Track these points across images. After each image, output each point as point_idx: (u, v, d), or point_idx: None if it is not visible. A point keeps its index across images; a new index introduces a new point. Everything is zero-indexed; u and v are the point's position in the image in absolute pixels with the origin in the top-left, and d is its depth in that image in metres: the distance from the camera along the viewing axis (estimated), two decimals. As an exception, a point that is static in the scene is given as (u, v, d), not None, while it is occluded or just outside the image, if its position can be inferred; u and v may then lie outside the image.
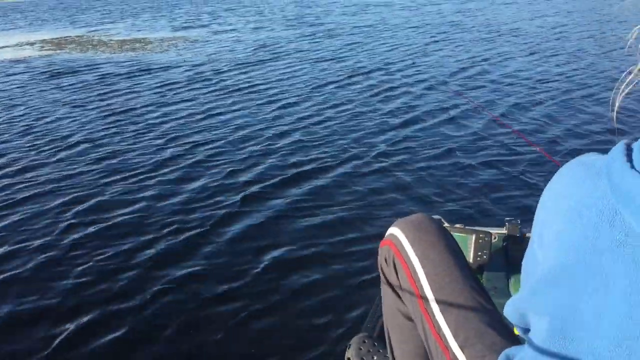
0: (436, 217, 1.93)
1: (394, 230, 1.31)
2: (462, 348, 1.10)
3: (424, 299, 1.19)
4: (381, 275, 1.36)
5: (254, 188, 4.23)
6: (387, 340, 1.42)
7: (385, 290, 1.36)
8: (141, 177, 4.58)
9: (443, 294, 1.17)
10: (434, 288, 1.18)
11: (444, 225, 2.06)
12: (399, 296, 1.30)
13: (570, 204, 0.71)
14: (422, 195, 3.94)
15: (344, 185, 4.21)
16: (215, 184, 4.36)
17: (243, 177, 4.46)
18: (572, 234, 0.70)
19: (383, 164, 4.57)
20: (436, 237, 1.26)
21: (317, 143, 5.22)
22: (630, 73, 0.73)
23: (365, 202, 3.89)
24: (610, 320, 0.65)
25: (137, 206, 4.01)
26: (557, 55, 9.00)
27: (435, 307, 1.16)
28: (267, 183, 4.30)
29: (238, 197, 4.06)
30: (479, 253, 2.03)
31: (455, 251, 1.25)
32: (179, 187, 4.33)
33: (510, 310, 0.86)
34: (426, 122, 5.69)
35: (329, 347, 2.48)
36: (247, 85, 7.94)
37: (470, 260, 2.00)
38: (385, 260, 1.32)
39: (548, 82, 7.22)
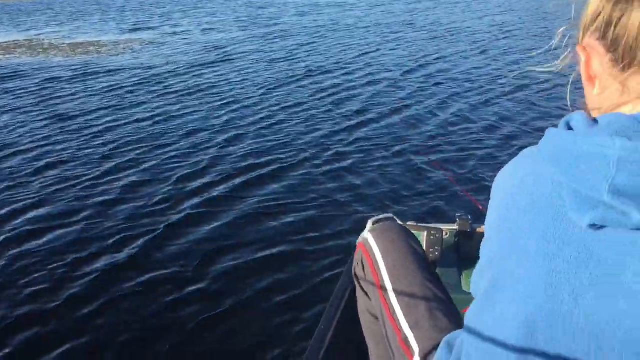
0: (389, 215, 2.04)
1: (365, 234, 1.48)
2: (412, 328, 1.23)
3: (384, 289, 1.32)
4: (354, 277, 1.50)
5: (207, 192, 4.30)
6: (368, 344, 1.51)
7: (358, 293, 1.50)
8: (90, 183, 4.56)
9: (400, 284, 1.30)
10: (392, 279, 1.32)
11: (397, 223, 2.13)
12: (367, 295, 1.43)
13: (511, 180, 0.82)
14: (375, 194, 4.12)
15: (298, 187, 4.34)
16: (167, 188, 4.39)
17: (195, 181, 4.51)
18: (506, 196, 0.81)
19: (337, 165, 4.73)
20: (397, 236, 1.42)
21: (270, 145, 5.32)
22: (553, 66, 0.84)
23: (319, 203, 4.03)
24: (527, 259, 0.74)
25: (86, 214, 4.00)
26: (492, 53, 9.36)
27: (392, 295, 1.30)
28: (220, 187, 4.39)
29: (191, 202, 4.11)
30: (431, 250, 2.01)
31: (413, 248, 1.40)
32: (130, 193, 4.34)
33: (471, 284, 0.94)
34: (378, 123, 5.90)
35: (290, 345, 2.56)
36: (199, 87, 7.97)
37: None
38: (357, 262, 1.48)
39: (479, 80, 7.54)
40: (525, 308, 0.74)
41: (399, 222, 2.13)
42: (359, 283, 1.48)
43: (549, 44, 0.84)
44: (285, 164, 4.80)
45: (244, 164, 4.86)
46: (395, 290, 1.30)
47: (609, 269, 0.68)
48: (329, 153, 5.03)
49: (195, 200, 4.14)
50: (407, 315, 1.25)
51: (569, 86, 0.82)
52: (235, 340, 2.63)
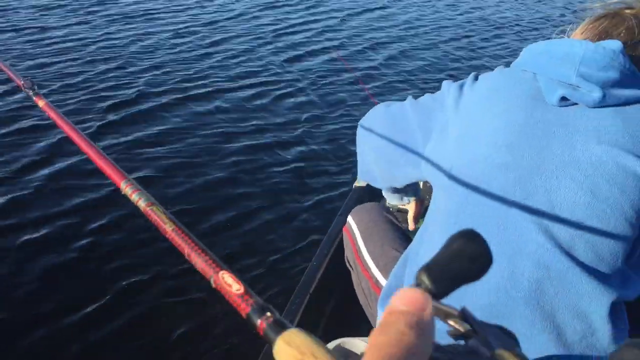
0: None
1: (348, 219, 1.59)
2: (380, 271, 1.40)
3: (363, 260, 1.46)
4: (346, 261, 1.62)
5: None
6: None
7: (352, 275, 1.59)
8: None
9: (375, 251, 1.45)
10: (370, 252, 1.45)
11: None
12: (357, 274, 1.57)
13: (488, 82, 1.11)
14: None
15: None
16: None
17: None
18: (488, 92, 1.10)
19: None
20: (377, 215, 1.54)
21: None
22: None
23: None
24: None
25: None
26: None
27: (368, 258, 1.44)
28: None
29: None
30: (427, 197, 2.17)
31: (390, 222, 1.54)
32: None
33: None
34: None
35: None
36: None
37: None
38: (345, 246, 1.61)
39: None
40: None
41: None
42: (350, 265, 1.58)
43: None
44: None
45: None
46: (370, 253, 1.44)
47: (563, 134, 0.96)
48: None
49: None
50: (378, 264, 1.40)
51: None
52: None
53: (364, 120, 1.34)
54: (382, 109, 1.29)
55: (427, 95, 1.18)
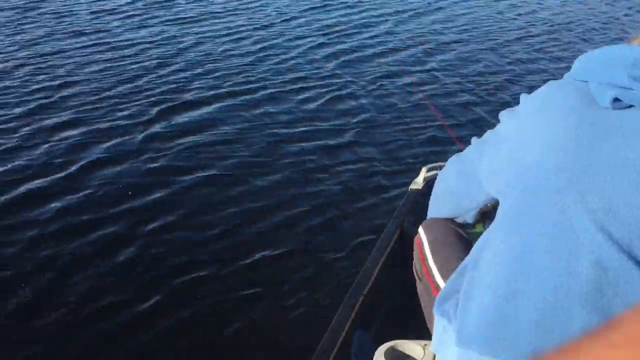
0: (441, 164, 2.12)
1: (420, 230, 1.61)
2: (443, 277, 1.40)
3: (430, 273, 1.48)
4: (415, 273, 1.63)
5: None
6: None
7: (418, 287, 1.62)
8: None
9: (443, 265, 1.45)
10: (439, 268, 1.45)
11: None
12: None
13: (535, 100, 1.12)
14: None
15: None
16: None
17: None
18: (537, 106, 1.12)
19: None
20: (445, 229, 1.55)
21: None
22: None
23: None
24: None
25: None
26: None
27: (434, 268, 1.47)
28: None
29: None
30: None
31: (459, 235, 1.54)
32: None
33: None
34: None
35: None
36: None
37: None
38: (415, 258, 1.61)
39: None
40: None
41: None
42: (418, 278, 1.59)
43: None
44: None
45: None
46: (436, 262, 1.47)
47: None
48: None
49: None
50: (441, 271, 1.42)
51: None
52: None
53: (441, 171, 1.52)
54: (453, 156, 1.46)
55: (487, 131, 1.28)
